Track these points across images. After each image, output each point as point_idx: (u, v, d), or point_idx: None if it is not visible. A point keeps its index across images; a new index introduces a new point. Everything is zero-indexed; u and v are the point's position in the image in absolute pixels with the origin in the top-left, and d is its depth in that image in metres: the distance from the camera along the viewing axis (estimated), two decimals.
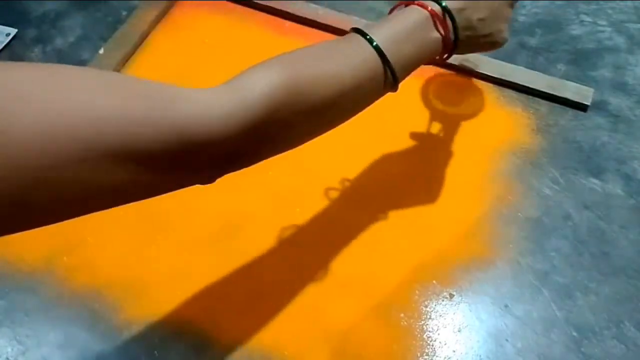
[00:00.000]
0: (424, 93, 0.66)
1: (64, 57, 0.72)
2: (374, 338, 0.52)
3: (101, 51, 0.70)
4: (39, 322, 0.53)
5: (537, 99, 0.66)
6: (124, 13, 0.76)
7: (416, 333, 0.52)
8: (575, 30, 0.73)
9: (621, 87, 0.67)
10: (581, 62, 0.70)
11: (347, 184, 0.61)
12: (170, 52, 0.71)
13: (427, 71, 0.68)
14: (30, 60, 0.72)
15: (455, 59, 0.59)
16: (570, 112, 0.65)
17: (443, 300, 0.54)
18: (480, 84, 0.67)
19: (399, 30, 0.42)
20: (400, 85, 0.44)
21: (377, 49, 0.41)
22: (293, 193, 0.60)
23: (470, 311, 0.53)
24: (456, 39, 0.46)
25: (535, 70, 0.68)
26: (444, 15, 0.44)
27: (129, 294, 0.54)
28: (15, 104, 0.27)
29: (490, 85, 0.67)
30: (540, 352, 0.51)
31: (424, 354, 0.51)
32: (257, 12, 0.74)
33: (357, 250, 0.56)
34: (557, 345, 0.51)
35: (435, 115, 0.65)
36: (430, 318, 0.53)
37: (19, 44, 0.73)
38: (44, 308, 0.54)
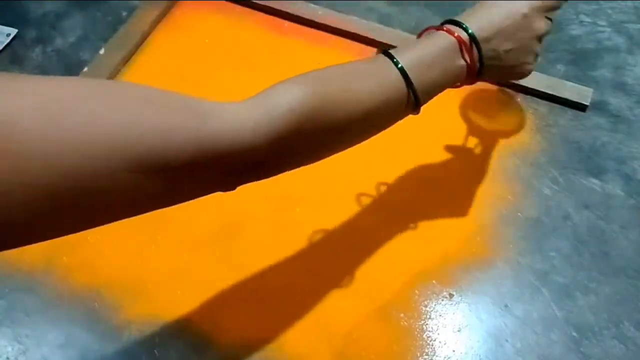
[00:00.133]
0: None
1: (64, 58, 0.72)
2: (374, 338, 0.52)
3: (102, 51, 0.70)
4: (39, 322, 0.53)
5: (536, 99, 0.66)
6: (124, 13, 0.76)
7: (416, 333, 0.52)
8: (575, 30, 0.73)
9: (621, 87, 0.67)
10: (581, 62, 0.70)
11: (347, 184, 0.61)
12: (170, 52, 0.71)
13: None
14: (31, 60, 0.72)
15: None
16: (570, 112, 0.65)
17: (443, 300, 0.54)
18: (477, 83, 0.67)
19: (424, 55, 0.43)
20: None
21: (402, 71, 0.42)
22: (293, 193, 0.60)
23: (470, 311, 0.53)
24: (481, 67, 0.46)
25: (534, 70, 0.68)
26: (470, 43, 0.45)
27: (129, 293, 0.54)
28: (63, 117, 0.28)
29: (490, 85, 0.67)
30: (540, 352, 0.51)
31: (424, 354, 0.51)
32: (257, 12, 0.74)
33: (357, 250, 0.56)
34: (557, 345, 0.51)
35: (435, 119, 0.65)
36: (430, 318, 0.53)
37: (19, 44, 0.73)
38: (44, 308, 0.54)
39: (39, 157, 0.27)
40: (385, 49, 0.43)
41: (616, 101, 0.66)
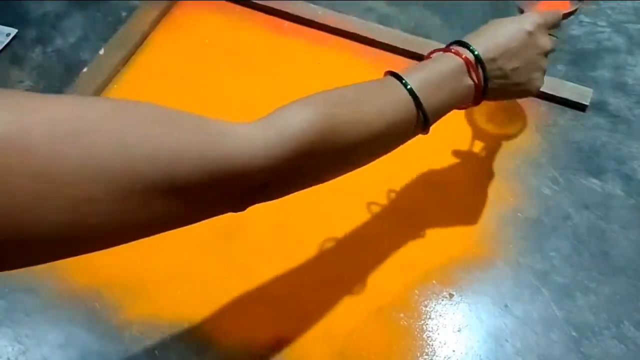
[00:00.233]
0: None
1: (64, 58, 0.72)
2: (374, 338, 0.52)
3: (101, 51, 0.70)
4: (39, 322, 0.53)
5: (536, 99, 0.66)
6: (124, 13, 0.76)
7: (416, 333, 0.52)
8: (575, 30, 0.73)
9: (620, 87, 0.67)
10: (581, 62, 0.70)
11: (347, 184, 0.61)
12: (170, 52, 0.71)
13: None
14: (30, 60, 0.72)
15: None
16: (570, 112, 0.65)
17: (443, 300, 0.54)
18: None
19: (433, 76, 0.44)
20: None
21: (411, 92, 0.42)
22: (294, 194, 0.60)
23: (470, 311, 0.53)
24: (486, 87, 0.46)
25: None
26: (476, 63, 0.45)
27: (129, 294, 0.54)
28: (75, 137, 0.28)
29: None
30: (540, 352, 0.51)
31: (424, 354, 0.51)
32: (257, 12, 0.74)
33: (357, 250, 0.56)
34: (556, 345, 0.51)
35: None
36: (430, 318, 0.53)
37: (19, 44, 0.73)
38: (44, 308, 0.54)
39: (50, 176, 0.27)
40: (393, 71, 0.44)
41: (616, 101, 0.66)
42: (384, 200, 0.59)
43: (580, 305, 0.53)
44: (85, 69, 0.69)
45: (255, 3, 0.74)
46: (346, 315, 0.53)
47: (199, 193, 0.33)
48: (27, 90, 0.69)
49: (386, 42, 0.70)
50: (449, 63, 0.45)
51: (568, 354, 0.51)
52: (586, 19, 0.74)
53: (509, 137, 0.64)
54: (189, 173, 0.32)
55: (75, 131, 0.28)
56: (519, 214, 0.58)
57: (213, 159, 0.33)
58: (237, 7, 0.75)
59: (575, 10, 0.55)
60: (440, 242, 0.57)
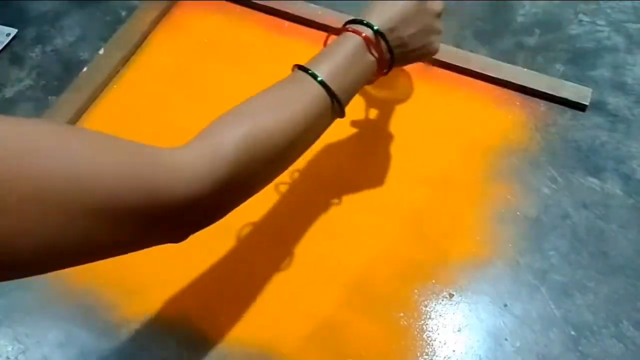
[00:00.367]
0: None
1: (63, 57, 0.72)
2: (373, 338, 0.52)
3: (101, 51, 0.70)
4: (39, 321, 0.53)
5: (535, 99, 0.66)
6: (124, 13, 0.76)
7: (416, 333, 0.52)
8: (574, 30, 0.73)
9: (620, 87, 0.67)
10: (580, 61, 0.70)
11: (346, 184, 0.61)
12: (170, 52, 0.71)
13: None
14: (30, 60, 0.72)
15: None
16: (569, 112, 0.65)
17: (442, 300, 0.54)
18: (477, 83, 0.68)
19: (338, 62, 0.45)
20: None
21: (323, 84, 0.44)
22: (291, 193, 0.60)
23: (470, 311, 0.53)
24: (392, 57, 0.48)
25: (534, 70, 0.68)
26: (376, 38, 0.47)
27: (126, 292, 0.54)
28: (20, 158, 0.28)
29: (490, 85, 0.67)
30: (539, 351, 0.51)
31: (424, 354, 0.51)
32: (257, 12, 0.74)
33: (357, 250, 0.57)
34: (555, 344, 0.51)
35: (434, 119, 0.65)
36: (429, 318, 0.53)
37: (19, 44, 0.73)
38: (44, 307, 0.54)
39: None
40: (301, 65, 0.45)
41: (615, 101, 0.66)
42: (383, 201, 0.59)
43: (579, 304, 0.53)
44: (85, 69, 0.69)
45: (255, 3, 0.74)
46: (346, 315, 0.53)
47: (135, 221, 0.34)
48: (27, 89, 0.69)
49: None
50: (350, 44, 0.46)
51: (567, 353, 0.51)
52: (585, 18, 0.74)
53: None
54: (123, 200, 0.32)
55: (20, 151, 0.28)
56: (518, 213, 0.58)
57: (148, 188, 0.33)
58: (237, 7, 0.75)
59: None
60: (439, 241, 0.57)
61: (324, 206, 0.59)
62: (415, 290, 0.54)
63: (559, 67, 0.69)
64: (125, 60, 0.70)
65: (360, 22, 0.47)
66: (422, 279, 0.55)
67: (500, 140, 0.63)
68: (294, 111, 0.42)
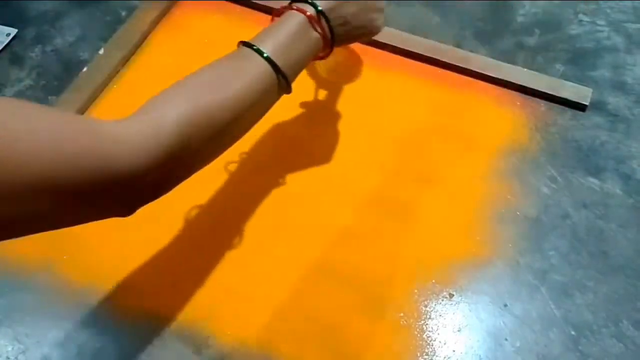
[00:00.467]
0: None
1: (63, 57, 0.72)
2: (373, 338, 0.52)
3: (101, 51, 0.70)
4: (39, 321, 0.53)
5: (536, 98, 0.66)
6: (124, 13, 0.76)
7: (416, 333, 0.52)
8: (574, 30, 0.73)
9: (620, 87, 0.67)
10: (580, 61, 0.70)
11: (346, 183, 0.61)
12: (170, 52, 0.71)
13: None
14: (30, 60, 0.72)
15: None
16: (569, 111, 0.65)
17: (442, 300, 0.54)
18: (477, 83, 0.68)
19: (283, 38, 0.46)
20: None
21: (268, 60, 0.45)
22: (293, 192, 0.60)
23: (470, 311, 0.53)
24: (332, 35, 0.50)
25: (534, 70, 0.68)
26: (319, 16, 0.48)
27: (128, 292, 0.54)
28: None
29: (490, 85, 0.67)
30: (539, 351, 0.51)
31: (424, 354, 0.51)
32: (257, 12, 0.74)
33: (357, 250, 0.57)
34: (555, 344, 0.51)
35: (432, 119, 0.65)
36: (429, 318, 0.53)
37: (19, 43, 0.73)
38: (44, 307, 0.54)
39: None
40: (246, 41, 0.46)
41: (615, 101, 0.66)
42: (382, 200, 0.59)
43: (579, 304, 0.53)
44: (85, 69, 0.69)
45: (255, 3, 0.74)
46: (346, 315, 0.53)
47: (82, 194, 0.34)
48: (28, 89, 0.69)
49: (386, 41, 0.70)
50: (294, 21, 0.47)
51: (567, 353, 0.51)
52: (585, 18, 0.74)
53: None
54: (69, 173, 0.32)
55: None
56: (518, 213, 0.58)
57: (93, 162, 0.34)
58: (237, 7, 0.75)
59: None
60: (439, 241, 0.57)
61: (323, 207, 0.59)
62: (415, 290, 0.54)
63: (559, 67, 0.69)
64: (125, 60, 0.70)
65: (305, 1, 0.48)
66: (422, 279, 0.55)
67: (500, 140, 0.63)
68: (238, 86, 0.43)
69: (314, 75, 0.67)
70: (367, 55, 0.70)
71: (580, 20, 0.74)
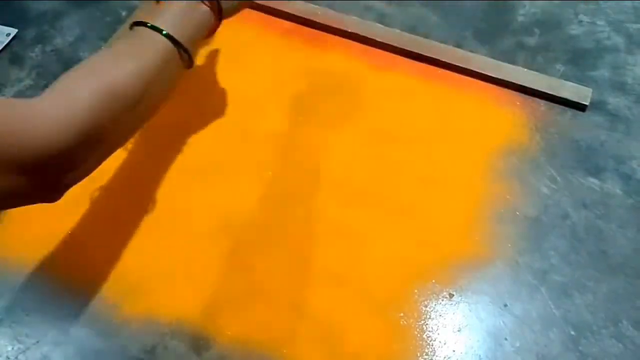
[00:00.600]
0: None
1: (63, 57, 0.72)
2: (373, 338, 0.52)
3: None
4: (39, 321, 0.53)
5: (535, 98, 0.66)
6: (124, 13, 0.76)
7: (416, 333, 0.52)
8: (574, 30, 0.73)
9: (620, 87, 0.67)
10: (580, 62, 0.70)
11: (347, 183, 0.61)
12: None
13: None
14: (30, 60, 0.72)
15: None
16: (569, 111, 0.65)
17: (442, 300, 0.54)
18: (477, 83, 0.68)
19: (177, 14, 0.49)
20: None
21: (169, 36, 0.47)
22: (293, 192, 0.60)
23: (470, 311, 0.53)
24: (219, 6, 0.52)
25: (534, 70, 0.68)
26: None
27: (128, 292, 0.54)
28: None
29: (490, 85, 0.67)
30: (539, 351, 0.51)
31: (424, 354, 0.51)
32: (257, 12, 0.74)
33: (357, 250, 0.57)
34: (555, 343, 0.51)
35: (430, 118, 0.65)
36: (429, 318, 0.53)
37: (19, 43, 0.73)
38: (44, 307, 0.54)
39: None
40: (140, 21, 0.48)
41: (615, 101, 0.66)
42: (383, 201, 0.59)
43: (579, 304, 0.53)
44: None
45: (255, 3, 0.74)
46: (345, 315, 0.53)
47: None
48: (27, 89, 0.69)
49: (386, 41, 0.70)
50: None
51: (566, 353, 0.51)
52: (585, 18, 0.74)
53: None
54: None
55: None
56: (517, 213, 0.58)
57: (6, 137, 0.35)
58: None
59: None
60: (439, 241, 0.57)
61: (323, 206, 0.59)
62: (415, 290, 0.54)
63: (559, 67, 0.69)
64: None
65: None
66: (422, 279, 0.55)
67: (500, 140, 0.63)
68: (143, 64, 0.45)
69: None
70: (367, 55, 0.70)
71: (580, 21, 0.74)
